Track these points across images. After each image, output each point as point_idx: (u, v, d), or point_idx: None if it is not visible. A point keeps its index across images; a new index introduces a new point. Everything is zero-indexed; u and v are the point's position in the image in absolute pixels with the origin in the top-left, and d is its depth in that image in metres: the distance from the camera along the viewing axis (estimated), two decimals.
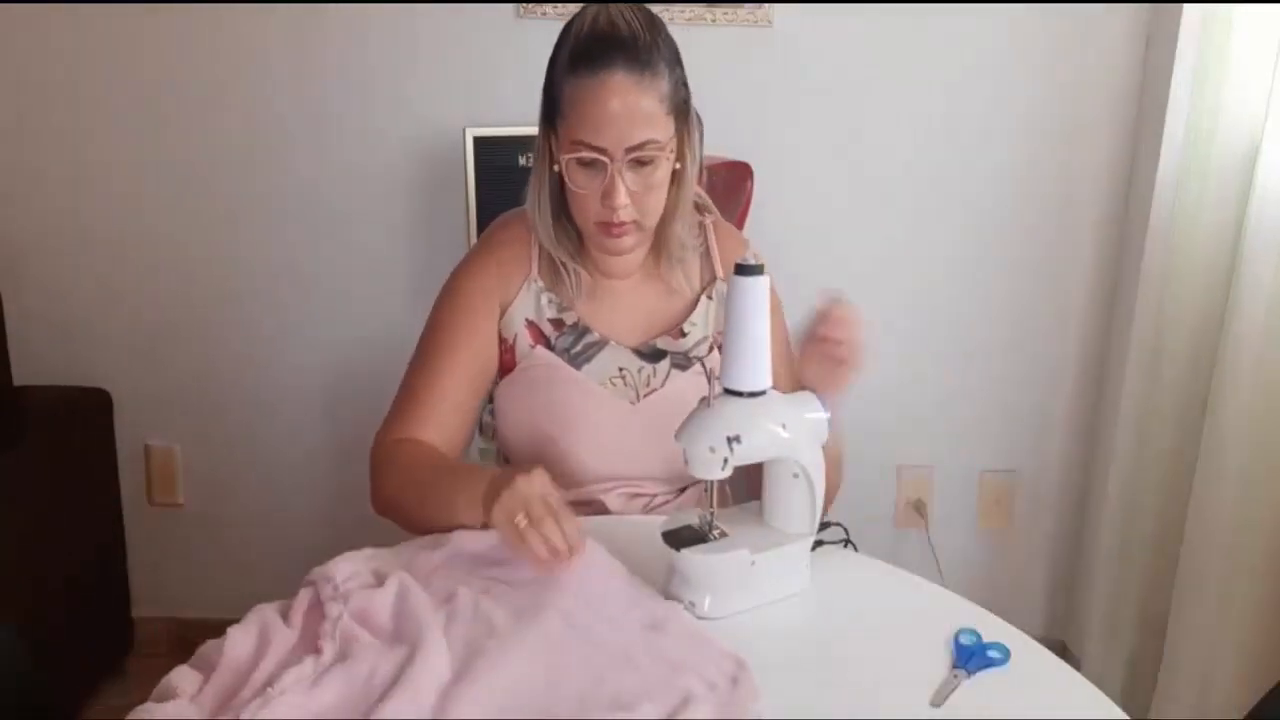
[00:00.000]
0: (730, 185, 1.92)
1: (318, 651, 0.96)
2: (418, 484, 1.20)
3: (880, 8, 2.02)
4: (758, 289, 1.05)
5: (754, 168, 1.96)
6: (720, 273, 1.36)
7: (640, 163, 1.19)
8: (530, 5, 1.99)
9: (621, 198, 1.19)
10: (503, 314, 1.30)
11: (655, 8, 1.98)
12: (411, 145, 2.08)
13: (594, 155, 1.18)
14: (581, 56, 1.17)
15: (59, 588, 1.98)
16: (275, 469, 2.24)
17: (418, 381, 1.28)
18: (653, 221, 1.26)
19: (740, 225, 1.94)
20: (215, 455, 2.24)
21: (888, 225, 2.14)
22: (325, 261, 2.15)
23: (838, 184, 2.12)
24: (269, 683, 0.91)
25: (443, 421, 1.27)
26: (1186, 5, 1.83)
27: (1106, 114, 2.08)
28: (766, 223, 2.02)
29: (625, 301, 1.33)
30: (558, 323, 1.30)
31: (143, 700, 0.93)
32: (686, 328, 1.33)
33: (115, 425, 2.18)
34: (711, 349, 1.34)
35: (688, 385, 1.31)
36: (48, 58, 2.05)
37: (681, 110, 1.24)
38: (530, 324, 1.29)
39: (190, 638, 2.36)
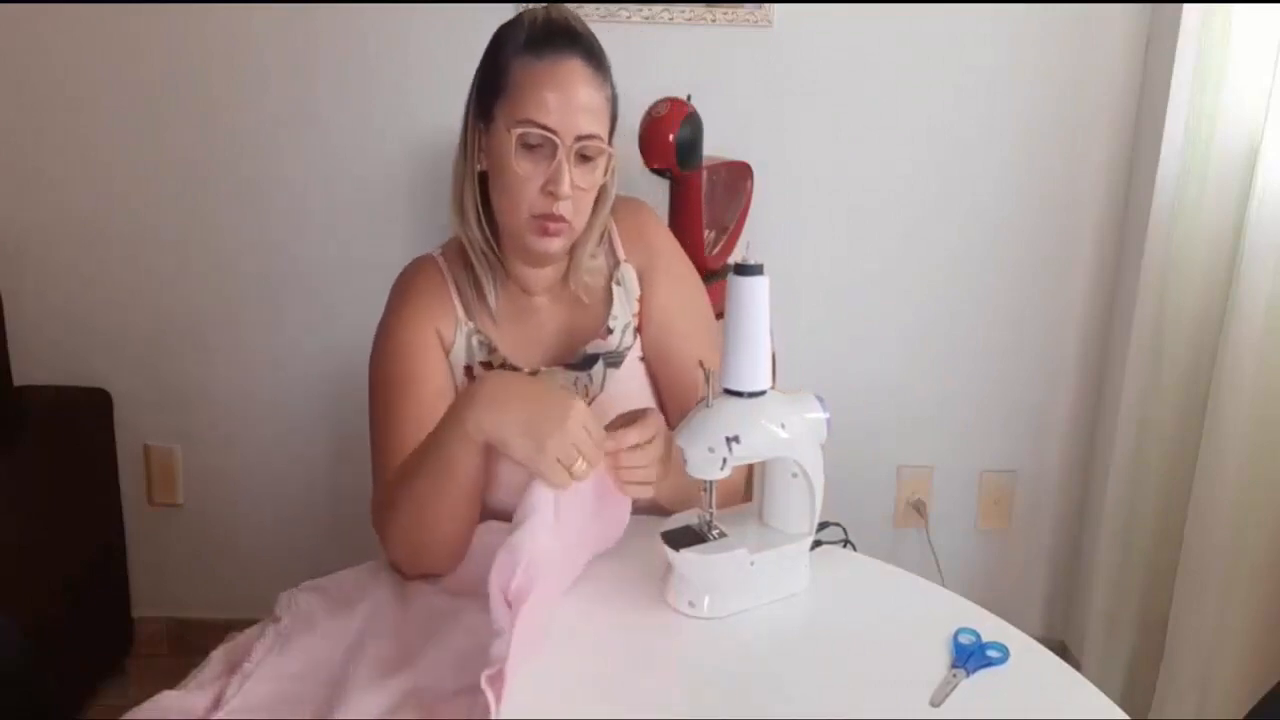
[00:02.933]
0: (730, 185, 1.92)
1: (276, 620, 1.00)
2: (408, 482, 1.14)
3: (880, 8, 2.02)
4: (757, 289, 1.05)
5: (754, 168, 1.96)
6: (622, 255, 1.34)
7: (584, 157, 1.19)
8: (530, 5, 1.99)
9: (566, 185, 1.17)
10: (446, 355, 1.27)
11: (656, 7, 2.00)
12: (411, 145, 2.08)
13: (544, 135, 1.16)
14: (540, 41, 1.18)
15: (59, 588, 1.98)
16: (275, 469, 2.24)
17: (393, 441, 1.21)
18: (581, 225, 1.24)
19: (740, 225, 1.95)
20: (215, 455, 2.24)
21: (888, 225, 2.14)
22: (325, 261, 2.15)
23: (838, 184, 2.12)
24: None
25: None
26: (1186, 5, 1.83)
27: (1106, 114, 2.08)
28: (766, 223, 2.02)
29: (543, 324, 1.31)
30: (487, 365, 1.28)
31: (142, 700, 0.93)
32: (611, 324, 1.31)
33: (115, 425, 2.18)
34: (635, 334, 1.33)
35: (625, 379, 1.31)
36: (48, 58, 2.05)
37: (614, 122, 1.24)
38: (467, 369, 1.27)
39: (190, 638, 2.36)
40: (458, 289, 1.28)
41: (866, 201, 2.13)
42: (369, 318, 2.16)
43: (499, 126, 1.19)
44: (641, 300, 1.34)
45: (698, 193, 1.79)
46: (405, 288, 1.30)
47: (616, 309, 1.32)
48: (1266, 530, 1.75)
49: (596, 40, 1.22)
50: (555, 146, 1.16)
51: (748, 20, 2.02)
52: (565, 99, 1.16)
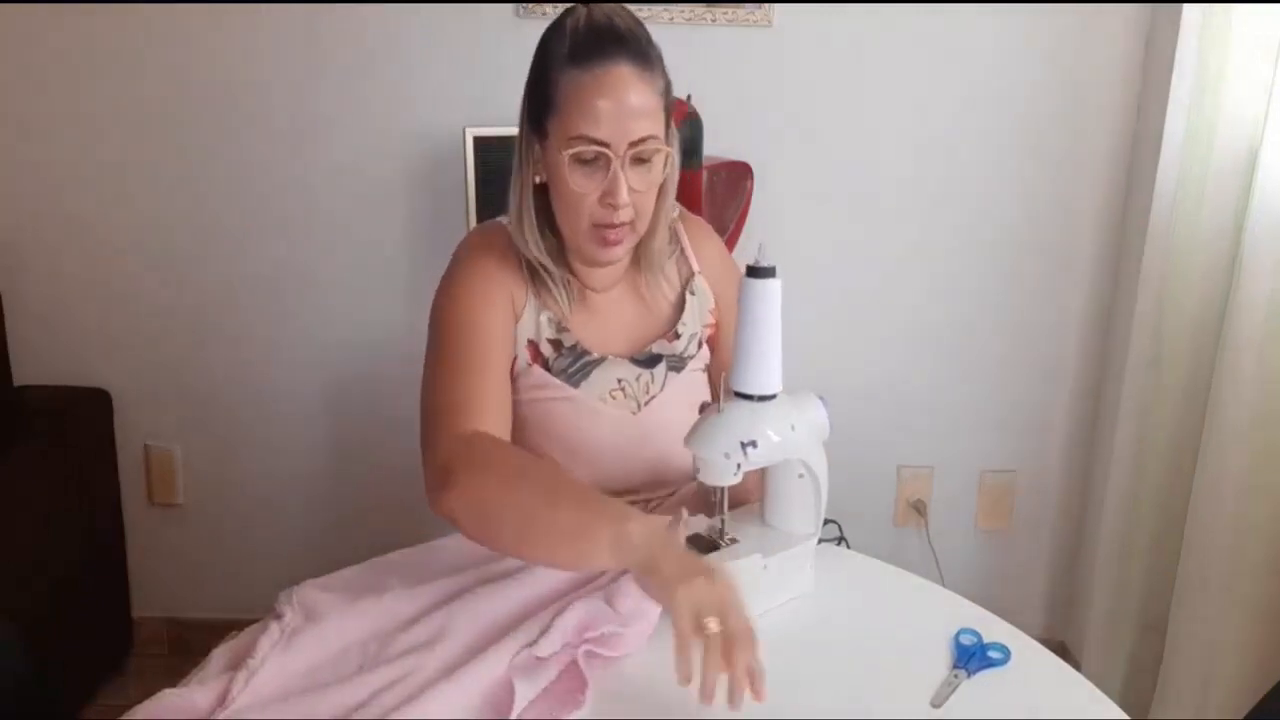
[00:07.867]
0: (730, 185, 1.92)
1: (279, 616, 1.00)
2: (527, 491, 1.06)
3: (880, 8, 2.02)
4: (769, 292, 1.04)
5: (754, 168, 1.96)
6: (696, 267, 1.35)
7: (640, 160, 1.16)
8: (530, 5, 1.99)
9: (624, 195, 1.15)
10: (515, 322, 1.24)
11: (657, 7, 2.00)
12: (411, 145, 2.08)
13: (596, 150, 1.13)
14: (582, 50, 1.14)
15: (59, 588, 1.98)
16: (275, 469, 2.24)
17: (457, 384, 1.16)
18: (644, 225, 1.22)
19: (740, 225, 1.95)
20: (215, 455, 2.24)
21: (888, 225, 2.14)
22: (325, 262, 2.14)
23: (838, 184, 2.12)
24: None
25: (498, 421, 1.17)
26: (1186, 5, 1.83)
27: (1106, 114, 2.08)
28: (766, 223, 2.02)
29: (613, 314, 1.30)
30: (556, 344, 1.25)
31: (142, 700, 0.93)
32: (680, 329, 1.32)
33: (115, 425, 2.18)
34: (701, 345, 1.34)
35: (684, 385, 1.31)
36: (47, 58, 2.05)
37: (669, 112, 1.21)
38: (531, 344, 1.25)
39: (190, 638, 2.35)
40: (526, 263, 1.25)
41: (866, 201, 2.13)
42: (369, 318, 2.18)
43: (552, 142, 1.17)
44: (718, 322, 1.35)
45: (698, 193, 1.79)
46: (479, 246, 1.26)
47: (687, 316, 1.32)
48: (1266, 531, 1.75)
49: (644, 33, 1.17)
50: (609, 158, 1.14)
51: (748, 20, 2.02)
52: (615, 107, 1.12)
